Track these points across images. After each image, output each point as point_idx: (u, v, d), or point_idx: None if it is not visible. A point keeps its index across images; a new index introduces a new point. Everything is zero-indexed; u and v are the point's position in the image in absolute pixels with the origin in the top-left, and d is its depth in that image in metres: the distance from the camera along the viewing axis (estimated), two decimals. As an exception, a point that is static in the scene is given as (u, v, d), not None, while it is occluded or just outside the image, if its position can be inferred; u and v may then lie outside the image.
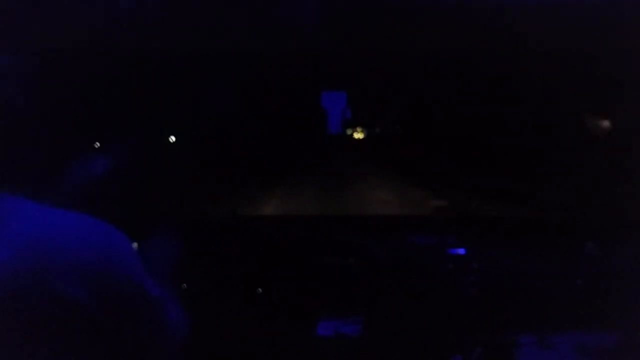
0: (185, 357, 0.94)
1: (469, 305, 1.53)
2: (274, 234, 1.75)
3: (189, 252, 1.51)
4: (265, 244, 1.67)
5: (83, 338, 0.75)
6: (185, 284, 1.50)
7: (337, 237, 1.73)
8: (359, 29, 1.71)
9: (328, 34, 1.73)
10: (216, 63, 2.40)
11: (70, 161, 0.89)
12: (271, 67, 2.51)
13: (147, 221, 1.67)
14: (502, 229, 1.95)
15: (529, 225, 2.06)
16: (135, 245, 1.50)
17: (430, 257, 1.63)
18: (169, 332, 0.90)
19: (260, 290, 1.58)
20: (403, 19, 1.61)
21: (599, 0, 1.50)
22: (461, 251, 1.62)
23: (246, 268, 1.61)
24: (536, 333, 1.45)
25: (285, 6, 1.52)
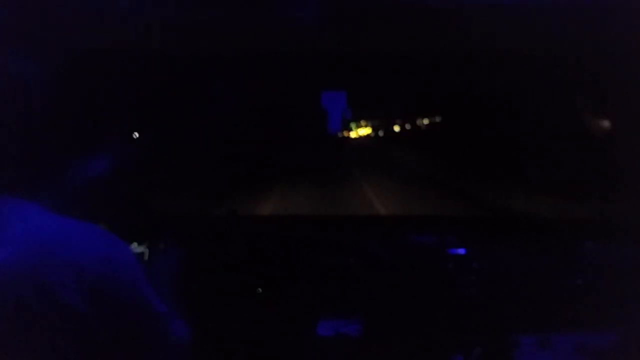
0: (185, 357, 0.94)
1: (469, 305, 1.53)
2: (274, 234, 1.75)
3: (189, 253, 1.51)
4: (265, 244, 1.67)
5: (78, 343, 0.75)
6: (185, 285, 1.50)
7: (337, 237, 1.73)
8: (359, 29, 1.71)
9: (328, 34, 1.73)
10: (216, 63, 2.40)
11: (70, 162, 0.89)
12: (271, 67, 2.51)
13: (147, 222, 1.67)
14: (502, 229, 1.96)
15: (529, 225, 2.05)
16: (134, 245, 1.51)
17: (430, 257, 1.63)
18: (170, 345, 0.89)
19: (260, 290, 1.58)
20: (403, 18, 1.61)
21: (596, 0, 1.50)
22: (461, 251, 1.62)
23: (246, 268, 1.61)
24: (536, 333, 1.45)
25: (285, 6, 1.52)
